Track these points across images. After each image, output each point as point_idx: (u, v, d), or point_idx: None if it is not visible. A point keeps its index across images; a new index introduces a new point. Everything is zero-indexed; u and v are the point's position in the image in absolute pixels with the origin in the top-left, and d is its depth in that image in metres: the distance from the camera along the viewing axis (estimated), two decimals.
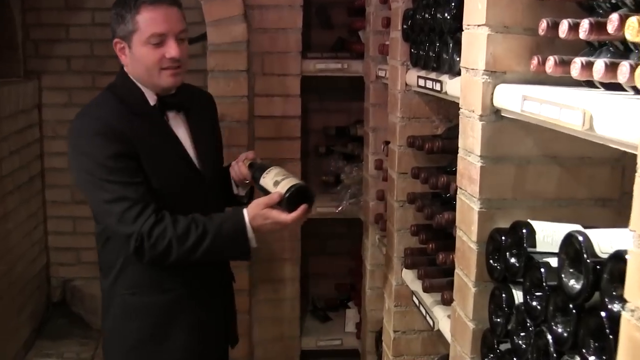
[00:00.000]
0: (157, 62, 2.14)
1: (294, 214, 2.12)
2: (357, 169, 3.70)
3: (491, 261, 1.69)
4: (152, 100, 2.23)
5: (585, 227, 1.54)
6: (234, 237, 2.16)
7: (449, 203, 2.28)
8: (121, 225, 2.10)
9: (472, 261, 1.75)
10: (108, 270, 2.29)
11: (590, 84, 1.42)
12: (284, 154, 3.59)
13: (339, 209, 3.73)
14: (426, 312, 2.35)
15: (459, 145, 1.81)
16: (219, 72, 3.38)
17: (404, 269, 2.64)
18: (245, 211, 2.16)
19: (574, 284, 1.29)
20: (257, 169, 2.28)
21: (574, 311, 1.32)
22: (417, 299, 2.45)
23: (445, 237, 2.28)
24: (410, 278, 2.58)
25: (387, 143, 2.82)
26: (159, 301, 2.27)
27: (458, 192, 1.83)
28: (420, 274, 2.41)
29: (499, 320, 1.66)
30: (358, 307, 3.83)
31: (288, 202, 2.12)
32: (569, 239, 1.29)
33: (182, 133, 2.28)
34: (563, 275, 1.31)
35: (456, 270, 1.88)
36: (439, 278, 2.32)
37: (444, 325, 2.16)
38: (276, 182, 2.17)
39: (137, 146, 2.13)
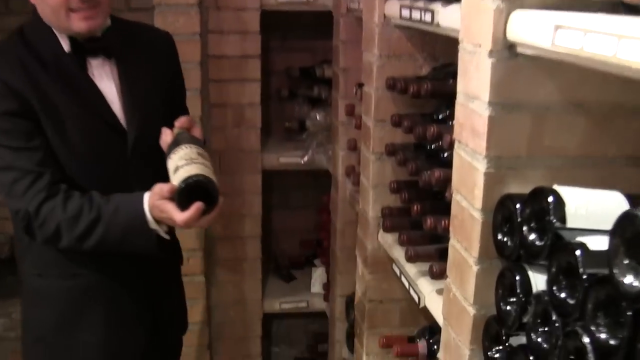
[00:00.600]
0: (63, 2, 1.74)
1: (185, 215, 1.67)
2: (324, 114, 3.36)
3: (500, 235, 1.36)
4: (66, 46, 1.83)
5: (626, 195, 1.22)
6: (132, 226, 1.78)
7: (435, 156, 1.95)
8: (10, 199, 1.77)
9: (474, 233, 1.42)
10: (18, 245, 1.96)
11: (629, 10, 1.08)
12: (242, 98, 3.25)
13: (304, 159, 3.39)
14: (409, 285, 2.01)
15: (458, 89, 1.46)
16: (166, 6, 2.96)
17: (381, 231, 2.30)
18: (146, 196, 1.77)
19: (633, 281, 0.95)
20: (172, 143, 1.81)
21: (628, 313, 0.99)
22: (398, 268, 2.12)
23: (433, 197, 1.94)
24: (388, 242, 2.24)
25: (360, 86, 2.46)
26: (68, 287, 1.93)
27: (456, 147, 1.49)
28: (402, 239, 2.06)
29: (509, 308, 1.34)
30: (325, 266, 3.51)
31: (179, 196, 1.68)
32: (630, 218, 0.95)
33: (107, 85, 1.89)
34: (616, 269, 0.97)
35: (452, 242, 1.55)
36: (426, 245, 1.98)
37: (433, 303, 1.83)
38: (177, 167, 1.71)
39: (38, 103, 1.76)
